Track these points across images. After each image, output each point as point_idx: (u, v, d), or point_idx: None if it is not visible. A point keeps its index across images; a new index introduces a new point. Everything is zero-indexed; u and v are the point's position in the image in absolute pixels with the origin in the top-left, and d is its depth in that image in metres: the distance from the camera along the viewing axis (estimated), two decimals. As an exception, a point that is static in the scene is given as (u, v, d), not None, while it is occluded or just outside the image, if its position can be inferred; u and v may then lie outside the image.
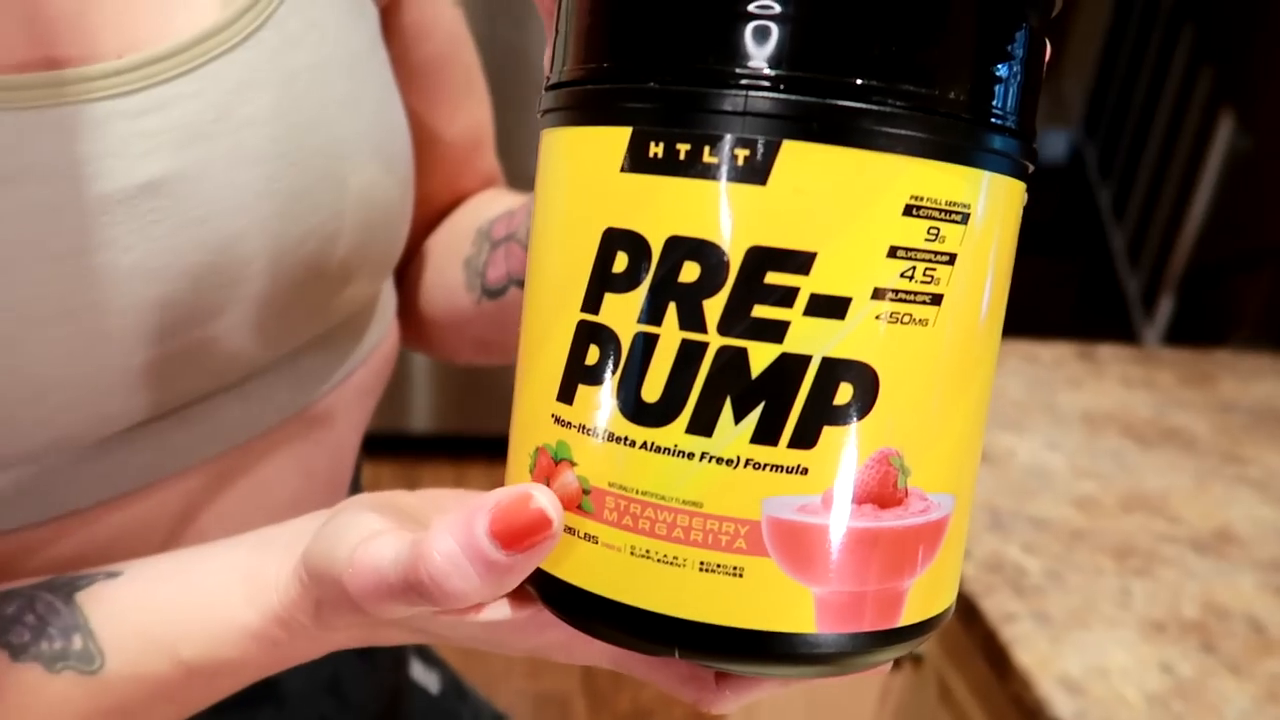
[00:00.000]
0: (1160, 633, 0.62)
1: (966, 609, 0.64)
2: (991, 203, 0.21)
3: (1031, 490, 0.77)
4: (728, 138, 0.19)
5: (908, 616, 0.22)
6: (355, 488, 0.44)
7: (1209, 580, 0.68)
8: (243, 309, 0.32)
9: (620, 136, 0.20)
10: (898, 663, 0.73)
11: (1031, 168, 0.23)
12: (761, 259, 0.20)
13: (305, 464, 0.38)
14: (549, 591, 0.23)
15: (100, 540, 0.32)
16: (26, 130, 0.27)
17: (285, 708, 0.39)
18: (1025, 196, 0.23)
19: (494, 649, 0.26)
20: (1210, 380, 1.03)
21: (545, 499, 0.21)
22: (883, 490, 0.21)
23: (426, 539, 0.21)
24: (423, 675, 0.50)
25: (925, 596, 0.22)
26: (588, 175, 0.21)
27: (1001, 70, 0.21)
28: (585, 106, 0.21)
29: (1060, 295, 2.62)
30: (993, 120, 0.21)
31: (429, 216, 0.46)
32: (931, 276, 0.21)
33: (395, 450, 1.95)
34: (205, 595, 0.28)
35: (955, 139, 0.20)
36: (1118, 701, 0.56)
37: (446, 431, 2.00)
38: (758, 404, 0.20)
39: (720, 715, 1.07)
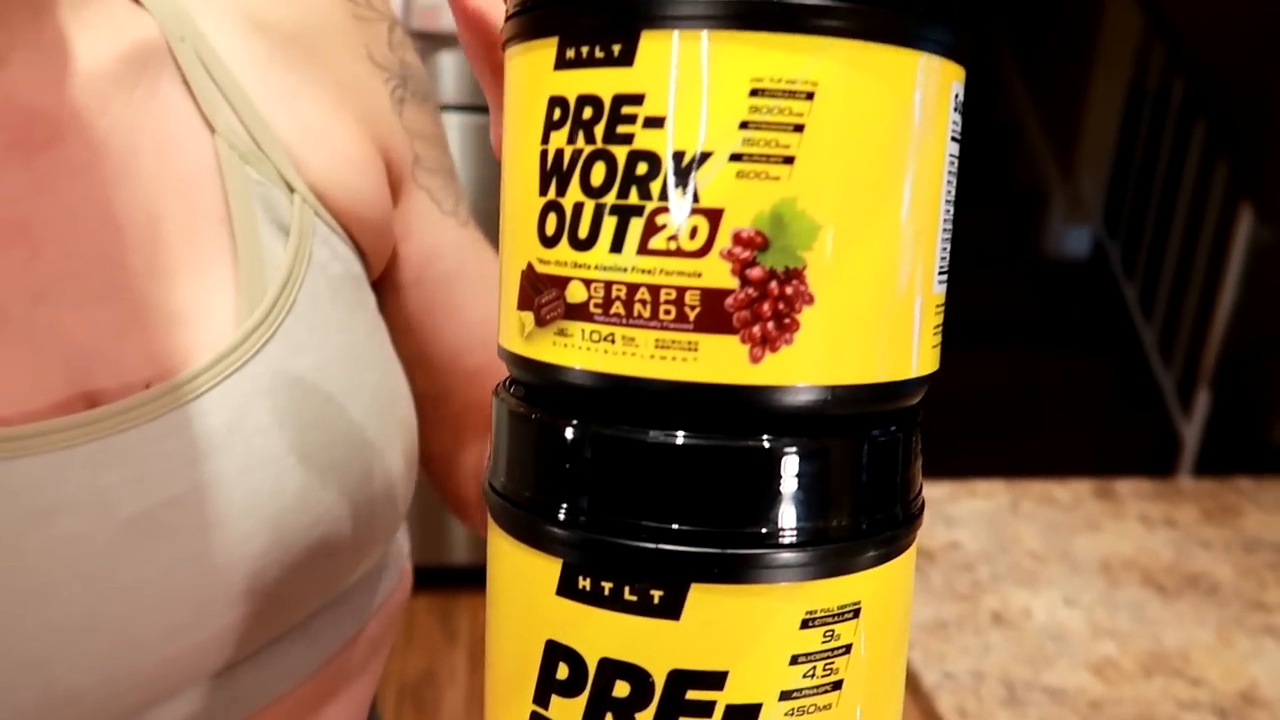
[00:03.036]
0: (1185, 815, 0.61)
1: (981, 800, 0.64)
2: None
3: (1048, 656, 0.77)
4: (643, 579, 0.22)
5: None
6: None
7: (1236, 749, 0.67)
8: (254, 599, 0.34)
9: (553, 564, 0.23)
10: None
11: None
12: (681, 679, 0.23)
13: (320, 717, 0.40)
14: None
15: None
16: (62, 468, 0.29)
17: None
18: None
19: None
20: (1234, 513, 1.01)
21: None
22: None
23: None
24: None
25: None
26: (529, 589, 0.24)
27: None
28: (521, 526, 0.24)
29: (1096, 390, 2.58)
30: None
31: (476, 424, 0.46)
32: (831, 669, 0.24)
33: (435, 583, 1.97)
34: None
35: (843, 553, 0.23)
36: None
37: (485, 564, 2.01)
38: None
39: None
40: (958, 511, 0.98)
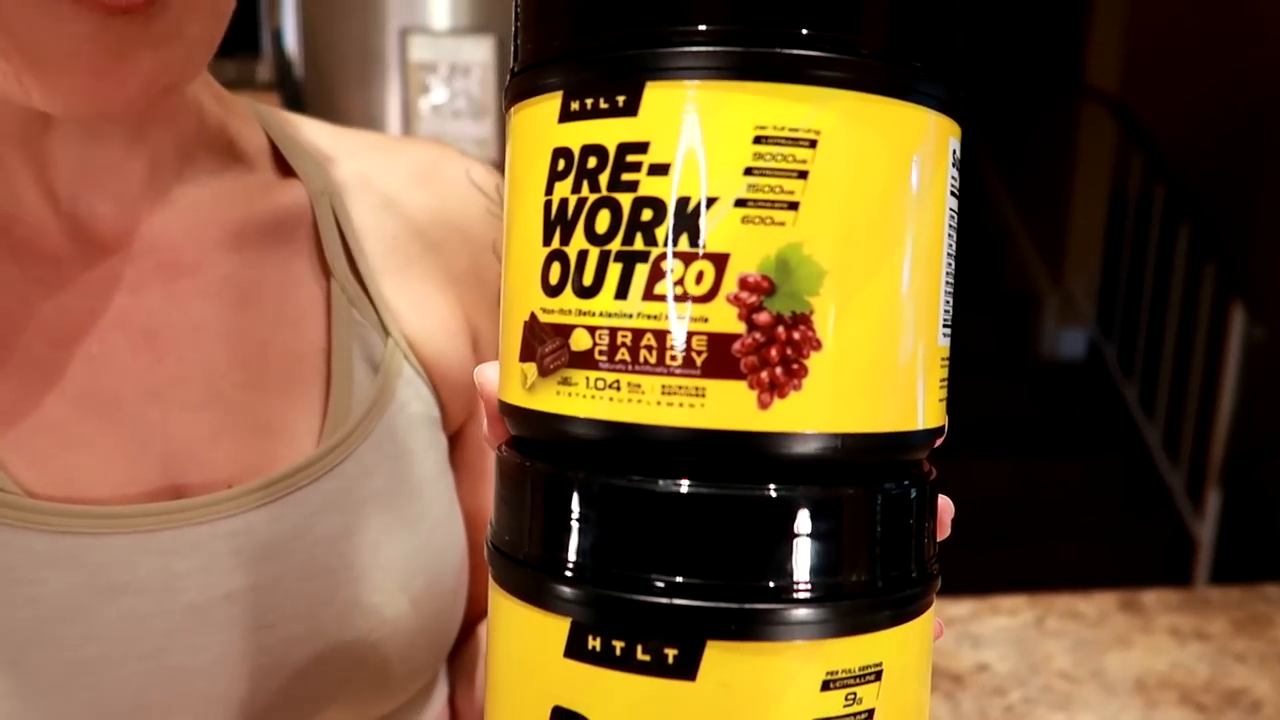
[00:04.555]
0: None
1: None
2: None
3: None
4: (656, 636, 0.21)
5: None
6: None
7: None
8: (292, 703, 0.35)
9: (561, 624, 0.22)
10: None
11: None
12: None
13: None
14: None
15: None
16: (138, 550, 0.33)
17: None
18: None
19: None
20: (1265, 623, 1.00)
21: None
22: None
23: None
24: None
25: None
26: (534, 652, 0.23)
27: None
28: (525, 585, 0.23)
29: (1104, 493, 2.58)
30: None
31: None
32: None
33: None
34: None
35: (861, 610, 0.22)
36: None
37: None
38: None
39: None
40: (982, 630, 0.96)
